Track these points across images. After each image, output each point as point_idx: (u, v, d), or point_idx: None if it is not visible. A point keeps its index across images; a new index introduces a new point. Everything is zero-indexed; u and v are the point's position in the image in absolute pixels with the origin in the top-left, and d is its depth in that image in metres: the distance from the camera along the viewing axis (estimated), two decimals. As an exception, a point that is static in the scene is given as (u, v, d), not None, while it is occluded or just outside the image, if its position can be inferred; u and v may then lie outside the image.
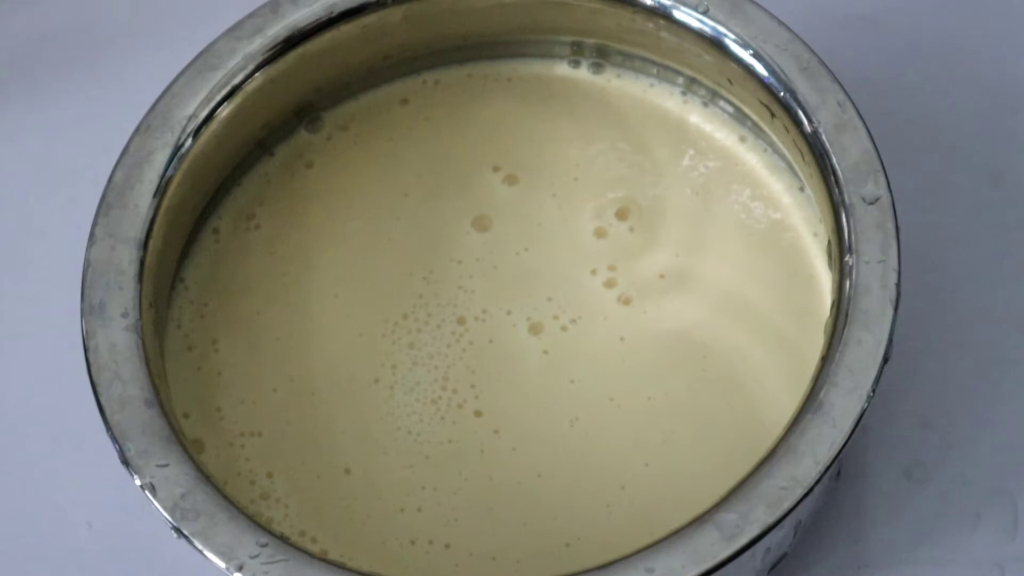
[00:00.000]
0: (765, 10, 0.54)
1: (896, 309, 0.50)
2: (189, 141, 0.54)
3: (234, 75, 0.55)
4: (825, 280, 0.54)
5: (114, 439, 0.49)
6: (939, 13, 0.64)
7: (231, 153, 0.56)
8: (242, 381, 0.55)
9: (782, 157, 0.56)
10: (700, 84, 0.57)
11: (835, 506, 0.56)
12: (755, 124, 0.57)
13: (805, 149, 0.53)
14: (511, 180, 0.57)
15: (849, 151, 0.52)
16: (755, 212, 0.56)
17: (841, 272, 0.51)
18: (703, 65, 0.56)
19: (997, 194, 0.61)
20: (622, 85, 0.59)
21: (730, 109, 0.57)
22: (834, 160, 0.52)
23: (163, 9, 0.67)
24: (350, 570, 0.47)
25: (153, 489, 0.48)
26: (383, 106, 0.59)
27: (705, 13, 0.54)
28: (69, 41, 0.66)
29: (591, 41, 0.58)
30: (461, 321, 0.55)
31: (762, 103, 0.55)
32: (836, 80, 0.53)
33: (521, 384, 0.54)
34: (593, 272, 0.56)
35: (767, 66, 0.54)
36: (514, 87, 0.59)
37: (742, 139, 0.57)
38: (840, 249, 0.51)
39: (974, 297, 0.59)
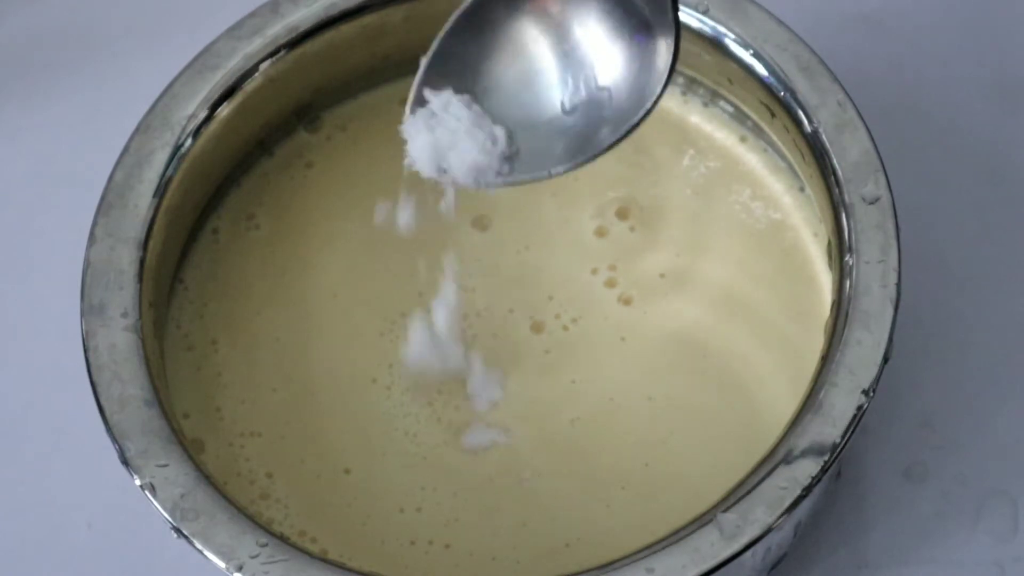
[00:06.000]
0: (765, 10, 0.54)
1: (896, 309, 0.50)
2: (189, 141, 0.54)
3: (234, 75, 0.55)
4: (825, 280, 0.54)
5: (114, 439, 0.49)
6: (939, 13, 0.64)
7: (231, 153, 0.56)
8: (242, 381, 0.55)
9: (782, 157, 0.56)
10: (700, 84, 0.57)
11: (835, 506, 0.56)
12: (755, 124, 0.57)
13: (805, 149, 0.53)
14: (511, 180, 0.57)
15: (849, 151, 0.52)
16: (755, 212, 0.56)
17: (841, 272, 0.51)
18: (703, 65, 0.56)
19: (997, 194, 0.61)
20: (622, 85, 0.58)
21: (730, 109, 0.57)
22: (834, 160, 0.52)
23: (163, 9, 0.67)
24: (350, 570, 0.47)
25: (153, 489, 0.48)
26: (383, 106, 0.59)
27: (705, 13, 0.54)
28: (69, 41, 0.66)
29: (591, 41, 0.58)
30: (463, 320, 0.55)
31: (762, 103, 0.55)
32: (836, 80, 0.53)
33: (522, 383, 0.54)
34: (594, 271, 0.56)
35: (767, 66, 0.54)
36: (514, 87, 0.59)
37: (742, 139, 0.57)
38: (840, 249, 0.51)
39: (974, 297, 0.59)
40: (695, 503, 0.48)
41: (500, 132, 0.47)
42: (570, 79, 0.47)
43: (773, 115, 0.54)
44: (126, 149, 0.53)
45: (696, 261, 0.56)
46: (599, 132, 0.47)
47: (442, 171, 0.48)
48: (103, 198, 0.53)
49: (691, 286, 0.55)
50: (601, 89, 0.47)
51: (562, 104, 0.48)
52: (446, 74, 0.48)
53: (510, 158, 0.47)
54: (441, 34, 0.47)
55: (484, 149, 0.47)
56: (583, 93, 0.47)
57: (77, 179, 0.60)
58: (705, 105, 0.58)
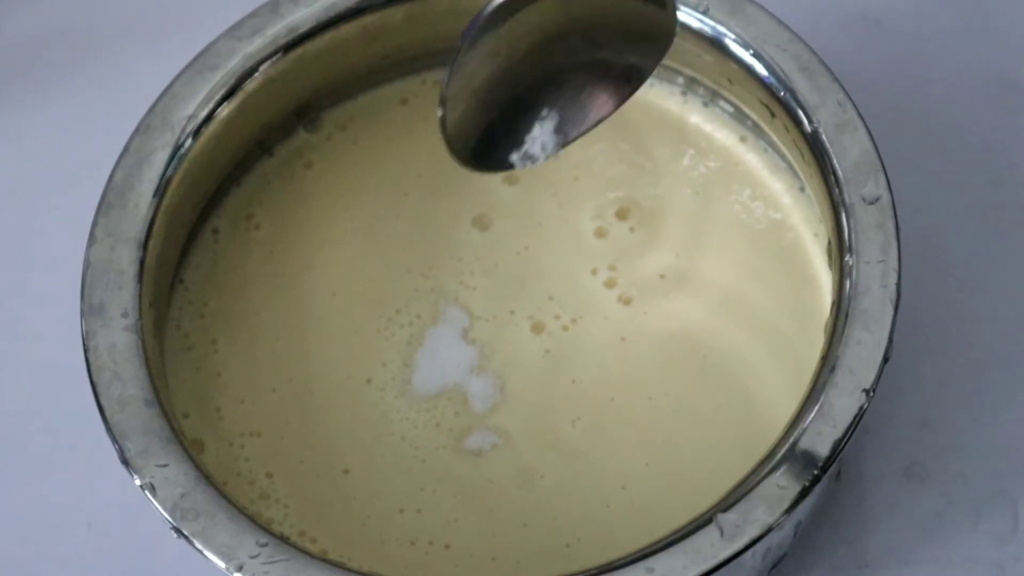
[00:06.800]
0: (765, 10, 0.54)
1: (896, 309, 0.50)
2: (189, 141, 0.54)
3: (234, 75, 0.55)
4: (825, 280, 0.54)
5: (114, 439, 0.49)
6: (939, 13, 0.64)
7: (231, 153, 0.56)
8: (241, 381, 0.55)
9: (782, 157, 0.56)
10: (700, 84, 0.57)
11: (835, 506, 0.56)
12: (755, 124, 0.57)
13: (805, 149, 0.53)
14: (511, 179, 0.57)
15: (849, 151, 0.52)
16: (755, 212, 0.56)
17: (841, 272, 0.51)
18: (703, 65, 0.56)
19: (997, 194, 0.61)
20: (622, 85, 0.58)
21: (730, 109, 0.57)
22: (834, 160, 0.52)
23: (163, 9, 0.67)
24: (350, 570, 0.47)
25: (153, 489, 0.48)
26: (382, 106, 0.59)
27: (705, 13, 0.54)
28: (69, 41, 0.66)
29: (591, 41, 0.58)
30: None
31: (762, 103, 0.55)
32: (836, 80, 0.53)
33: (522, 384, 0.54)
34: (594, 272, 0.56)
35: (767, 66, 0.54)
36: (514, 87, 0.59)
37: (742, 139, 0.57)
38: (840, 249, 0.51)
39: (974, 297, 0.59)
40: (695, 503, 0.48)
41: (547, 114, 0.51)
42: (584, 43, 0.50)
43: (773, 115, 0.54)
44: (126, 149, 0.53)
45: (696, 261, 0.56)
46: (630, 72, 0.50)
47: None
48: (103, 198, 0.53)
49: (691, 286, 0.55)
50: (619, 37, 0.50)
51: (583, 66, 0.50)
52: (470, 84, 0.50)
53: (557, 130, 0.51)
54: (451, 68, 0.49)
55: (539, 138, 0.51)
56: (602, 52, 0.50)
57: (77, 179, 0.60)
58: (705, 105, 0.58)
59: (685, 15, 0.54)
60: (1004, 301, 0.59)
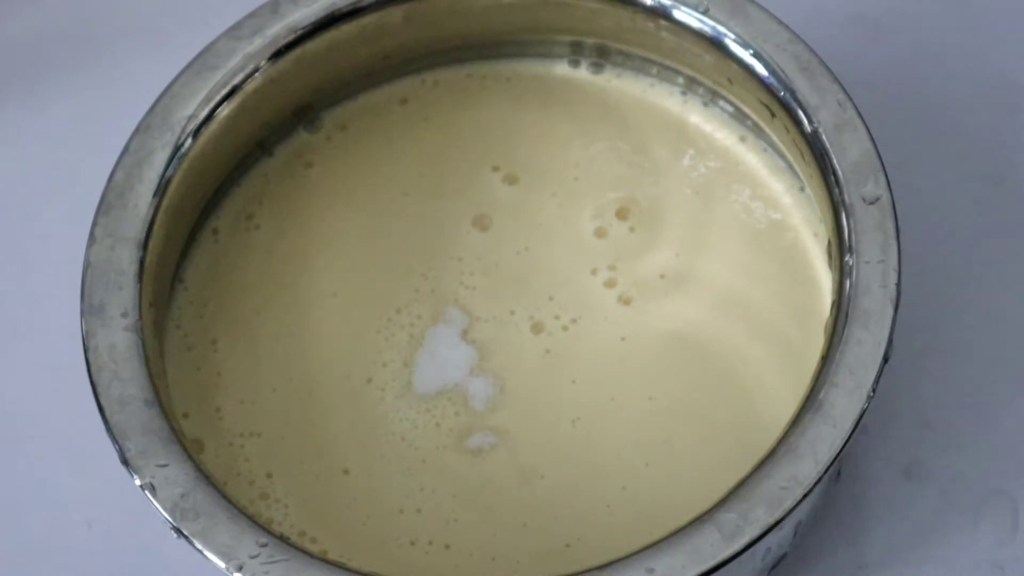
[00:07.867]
0: (765, 10, 0.54)
1: (896, 309, 0.50)
2: (189, 141, 0.54)
3: (234, 75, 0.55)
4: (825, 280, 0.54)
5: (114, 439, 0.49)
6: (939, 13, 0.64)
7: (231, 153, 0.56)
8: (241, 381, 0.55)
9: (782, 157, 0.56)
10: (700, 84, 0.57)
11: (835, 506, 0.56)
12: (755, 124, 0.57)
13: (805, 149, 0.53)
14: (511, 180, 0.57)
15: (849, 151, 0.52)
16: (755, 212, 0.56)
17: (841, 272, 0.51)
18: (703, 65, 0.56)
19: (997, 194, 0.61)
20: (622, 85, 0.59)
21: (730, 109, 0.57)
22: (834, 160, 0.52)
23: (163, 9, 0.67)
24: (350, 570, 0.47)
25: (153, 489, 0.48)
26: (382, 106, 0.59)
27: (705, 13, 0.54)
28: (69, 41, 0.66)
29: (591, 41, 0.58)
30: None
31: (762, 103, 0.55)
32: (836, 80, 0.53)
33: (522, 384, 0.54)
34: (593, 272, 0.56)
35: (767, 66, 0.54)
36: (514, 87, 0.59)
37: (742, 139, 0.57)
38: (840, 249, 0.51)
39: (974, 297, 0.59)
40: (695, 503, 0.48)
41: None
42: None
43: (773, 115, 0.54)
44: (126, 149, 0.53)
45: (696, 261, 0.56)
46: None
47: None
48: (103, 198, 0.53)
49: (691, 286, 0.55)
50: None
51: None
52: None
53: None
54: None
55: None
56: None
57: (77, 179, 0.60)
58: (705, 105, 0.58)
59: (685, 15, 0.54)
60: (1004, 301, 0.59)
